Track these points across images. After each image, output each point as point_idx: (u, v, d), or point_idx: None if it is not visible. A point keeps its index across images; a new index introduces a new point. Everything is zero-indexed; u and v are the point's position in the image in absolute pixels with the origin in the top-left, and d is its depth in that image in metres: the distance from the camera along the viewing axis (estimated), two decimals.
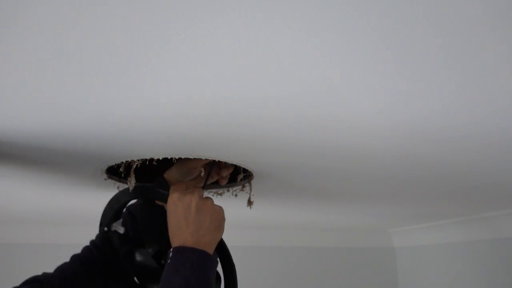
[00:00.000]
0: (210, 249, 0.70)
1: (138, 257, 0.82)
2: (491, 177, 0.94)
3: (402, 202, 1.29)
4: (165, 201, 0.76)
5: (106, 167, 0.85)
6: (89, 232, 1.75)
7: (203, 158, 0.79)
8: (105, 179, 0.91)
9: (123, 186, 0.93)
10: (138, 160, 0.80)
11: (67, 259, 0.82)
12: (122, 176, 0.89)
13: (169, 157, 0.78)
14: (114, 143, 0.70)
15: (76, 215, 1.50)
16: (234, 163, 0.83)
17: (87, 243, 0.85)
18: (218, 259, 0.75)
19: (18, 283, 0.73)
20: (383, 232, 2.21)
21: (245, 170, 0.88)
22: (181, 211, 0.71)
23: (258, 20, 0.38)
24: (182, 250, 0.68)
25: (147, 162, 0.80)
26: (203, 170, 0.81)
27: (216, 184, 0.90)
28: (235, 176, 0.88)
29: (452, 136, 0.67)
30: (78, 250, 0.84)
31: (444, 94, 0.53)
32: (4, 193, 1.10)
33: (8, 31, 0.38)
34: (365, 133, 0.65)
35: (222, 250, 0.76)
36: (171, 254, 0.69)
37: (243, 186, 0.92)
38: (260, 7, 0.36)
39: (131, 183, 0.78)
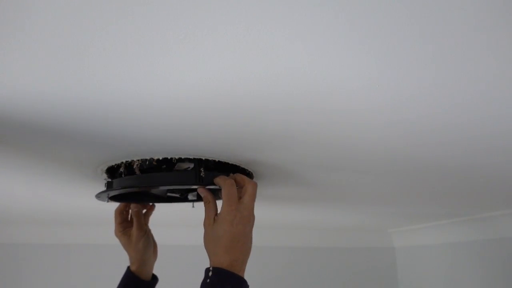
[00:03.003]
0: (243, 273, 0.71)
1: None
2: (491, 177, 0.94)
3: (402, 202, 1.29)
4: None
5: (106, 167, 0.85)
6: (88, 232, 1.76)
7: (203, 159, 0.79)
8: (105, 179, 0.91)
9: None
10: (138, 160, 0.80)
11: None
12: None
13: (169, 157, 0.78)
14: (114, 141, 0.70)
15: (76, 215, 1.50)
16: (234, 163, 0.83)
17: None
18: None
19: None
20: (383, 232, 2.21)
21: (244, 170, 0.88)
22: (237, 228, 0.71)
23: (260, 19, 0.38)
24: (223, 273, 0.69)
25: (147, 162, 0.80)
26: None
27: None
28: None
29: (453, 137, 0.68)
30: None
31: (446, 95, 0.53)
32: (3, 192, 1.10)
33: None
34: (366, 131, 0.65)
35: None
36: (210, 273, 0.69)
37: None
38: (263, 6, 0.36)
39: None
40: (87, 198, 1.17)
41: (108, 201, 0.88)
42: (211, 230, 0.73)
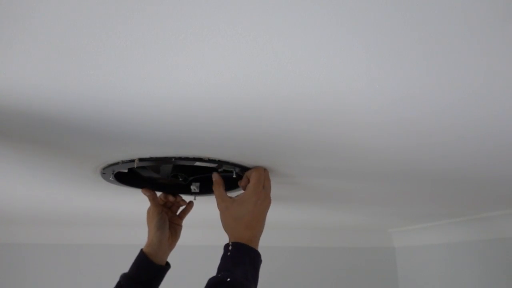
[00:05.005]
0: (257, 247, 0.80)
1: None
2: (491, 177, 0.94)
3: (402, 202, 1.29)
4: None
5: (105, 167, 0.85)
6: (89, 232, 1.76)
7: (204, 158, 0.79)
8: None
9: (120, 187, 0.94)
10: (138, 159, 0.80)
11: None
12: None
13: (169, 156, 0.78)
14: (114, 141, 0.70)
15: (77, 215, 1.50)
16: (236, 163, 0.83)
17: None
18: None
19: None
20: (383, 232, 2.21)
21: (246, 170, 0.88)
22: (259, 208, 0.81)
23: (261, 20, 0.38)
24: (242, 247, 0.77)
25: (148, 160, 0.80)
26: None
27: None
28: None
29: (453, 137, 0.68)
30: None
31: (445, 95, 0.53)
32: (5, 192, 1.10)
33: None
34: (366, 131, 0.65)
35: None
36: (230, 248, 0.76)
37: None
38: (267, 7, 0.36)
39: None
40: (88, 199, 1.17)
41: (112, 179, 0.88)
42: (232, 210, 0.81)
